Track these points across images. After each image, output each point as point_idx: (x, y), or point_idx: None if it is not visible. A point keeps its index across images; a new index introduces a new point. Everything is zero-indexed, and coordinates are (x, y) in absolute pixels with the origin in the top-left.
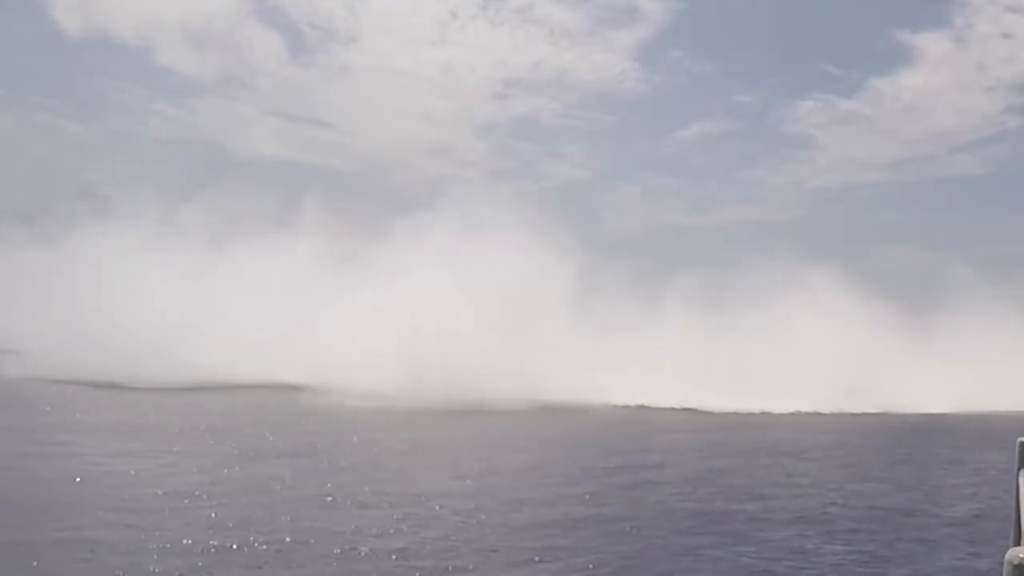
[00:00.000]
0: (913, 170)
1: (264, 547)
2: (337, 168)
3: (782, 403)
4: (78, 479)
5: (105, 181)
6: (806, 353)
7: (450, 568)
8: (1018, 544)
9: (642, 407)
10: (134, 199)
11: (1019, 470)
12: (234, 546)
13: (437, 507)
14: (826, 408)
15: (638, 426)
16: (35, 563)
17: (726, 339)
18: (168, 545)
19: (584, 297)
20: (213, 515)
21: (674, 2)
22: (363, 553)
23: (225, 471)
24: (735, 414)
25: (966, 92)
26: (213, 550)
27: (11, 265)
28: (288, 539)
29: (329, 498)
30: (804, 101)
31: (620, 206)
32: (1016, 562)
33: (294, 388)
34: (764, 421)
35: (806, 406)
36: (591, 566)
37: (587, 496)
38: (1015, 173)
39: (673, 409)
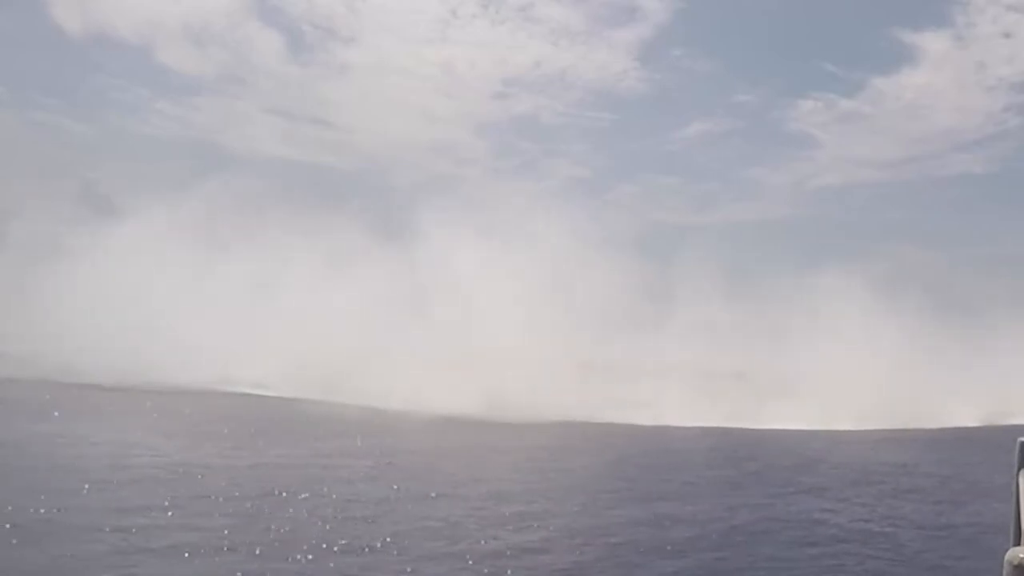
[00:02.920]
0: (914, 169)
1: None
2: (338, 167)
3: (807, 420)
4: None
5: (106, 180)
6: (827, 366)
7: None
8: (1018, 544)
9: (670, 427)
10: (135, 198)
11: (1019, 470)
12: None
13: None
14: (848, 424)
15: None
16: None
17: (742, 349)
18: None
19: (588, 298)
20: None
21: (674, 1)
22: None
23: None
24: (773, 431)
25: (967, 91)
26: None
27: (11, 265)
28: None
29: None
30: (805, 100)
31: (620, 205)
32: (1016, 562)
33: (290, 398)
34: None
35: (833, 423)
36: None
37: None
38: (1016, 172)
39: (704, 428)
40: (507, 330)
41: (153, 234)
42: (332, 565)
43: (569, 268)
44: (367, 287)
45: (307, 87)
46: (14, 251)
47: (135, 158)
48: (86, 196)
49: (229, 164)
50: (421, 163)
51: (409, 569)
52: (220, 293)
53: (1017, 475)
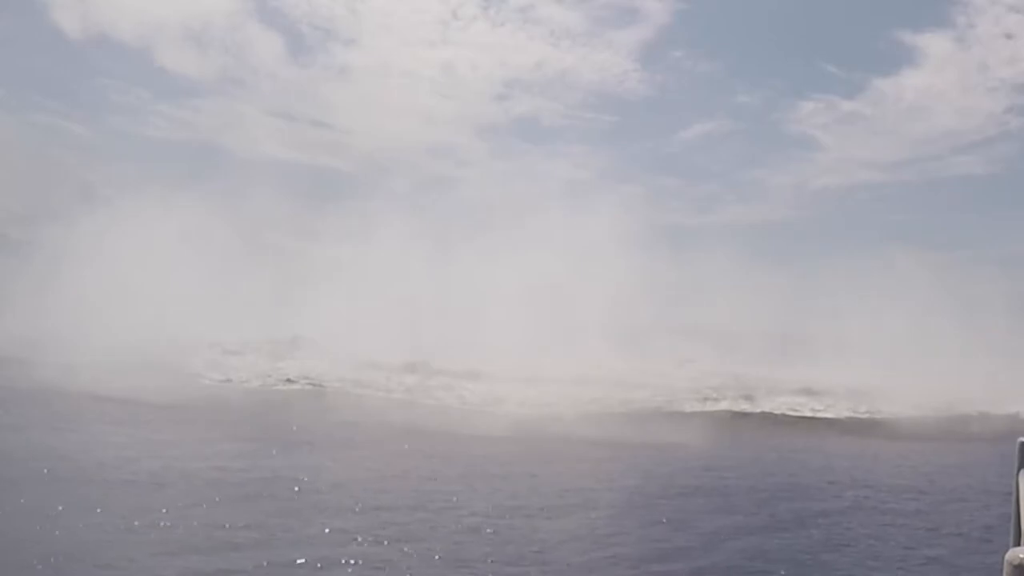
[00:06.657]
0: (915, 170)
1: None
2: (337, 168)
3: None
4: None
5: (106, 182)
6: (840, 367)
7: None
8: (1018, 544)
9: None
10: (135, 200)
11: (1019, 470)
12: None
13: None
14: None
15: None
16: None
17: (744, 350)
18: None
19: (589, 299)
20: None
21: (675, 2)
22: None
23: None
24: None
25: (968, 92)
26: None
27: (10, 266)
28: None
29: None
30: (806, 101)
31: (621, 207)
32: (1016, 562)
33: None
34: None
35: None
36: None
37: None
38: (1019, 173)
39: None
40: (508, 333)
41: (153, 236)
42: None
43: (570, 269)
44: (369, 287)
45: (307, 89)
46: (14, 253)
47: (135, 160)
48: (86, 198)
49: (229, 165)
50: (421, 164)
51: None
52: (220, 294)
53: (1017, 475)
